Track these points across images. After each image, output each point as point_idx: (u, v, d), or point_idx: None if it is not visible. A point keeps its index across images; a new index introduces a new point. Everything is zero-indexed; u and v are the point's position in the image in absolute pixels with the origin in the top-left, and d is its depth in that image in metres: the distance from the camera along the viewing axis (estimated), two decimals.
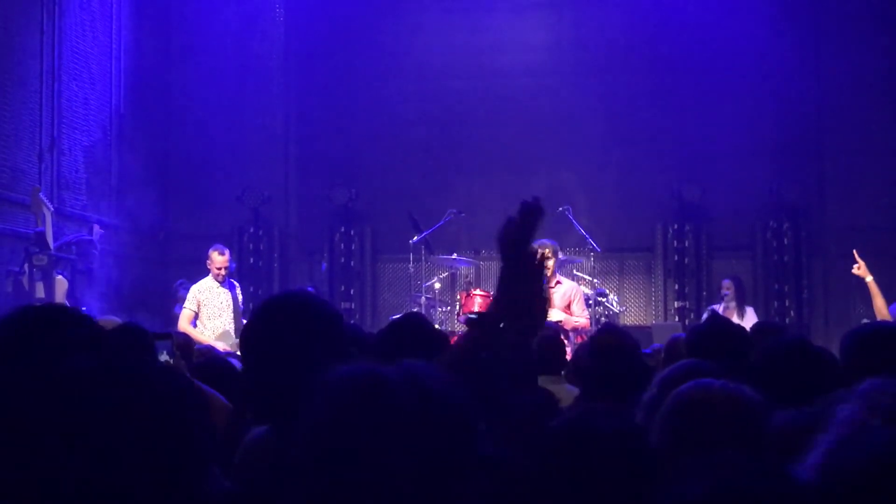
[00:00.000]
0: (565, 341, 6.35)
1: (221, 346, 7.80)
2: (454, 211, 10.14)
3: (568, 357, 5.49)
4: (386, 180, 11.88)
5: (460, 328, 9.32)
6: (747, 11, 11.34)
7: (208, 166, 11.72)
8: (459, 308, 9.24)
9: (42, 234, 8.12)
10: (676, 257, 11.57)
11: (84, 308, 8.85)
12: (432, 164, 11.92)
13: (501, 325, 1.94)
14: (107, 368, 1.36)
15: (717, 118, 11.30)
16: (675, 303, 11.51)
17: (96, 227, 9.69)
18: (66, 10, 9.83)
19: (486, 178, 11.78)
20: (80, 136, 10.18)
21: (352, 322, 9.67)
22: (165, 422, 1.32)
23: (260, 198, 11.73)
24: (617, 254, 11.61)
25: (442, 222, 10.14)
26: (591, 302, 8.99)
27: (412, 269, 10.30)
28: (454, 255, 10.09)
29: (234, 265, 9.36)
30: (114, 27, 10.89)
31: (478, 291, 9.02)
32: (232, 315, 8.67)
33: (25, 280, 8.13)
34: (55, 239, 8.43)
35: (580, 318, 8.40)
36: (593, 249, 9.78)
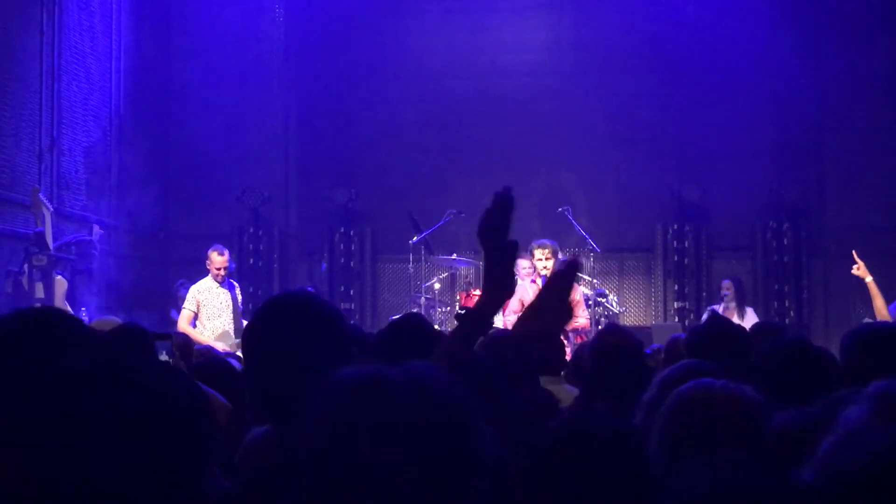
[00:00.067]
0: (565, 342, 6.35)
1: (221, 347, 7.80)
2: (454, 211, 10.14)
3: (568, 357, 5.49)
4: (386, 180, 11.88)
5: (454, 317, 9.32)
6: (747, 12, 11.34)
7: (208, 166, 11.71)
8: (459, 307, 9.25)
9: (42, 235, 8.11)
10: (676, 257, 11.57)
11: (84, 308, 8.86)
12: (432, 164, 11.92)
13: (513, 325, 1.99)
14: (107, 367, 1.36)
15: (717, 118, 11.29)
16: (675, 303, 11.51)
17: (96, 228, 9.69)
18: (66, 10, 9.82)
19: (486, 178, 11.74)
20: (80, 136, 10.17)
21: (352, 322, 9.67)
22: (166, 421, 1.32)
23: (260, 198, 11.72)
24: (617, 254, 11.61)
25: (442, 222, 10.14)
26: (590, 302, 8.99)
27: (412, 270, 10.30)
28: (454, 256, 10.09)
29: (233, 265, 9.36)
30: (114, 27, 10.88)
31: (477, 292, 9.01)
32: (231, 315, 8.66)
33: (25, 280, 8.12)
34: (55, 239, 8.42)
35: (580, 318, 8.41)
36: (593, 250, 9.78)
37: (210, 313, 8.61)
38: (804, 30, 11.53)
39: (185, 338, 6.06)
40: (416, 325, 3.37)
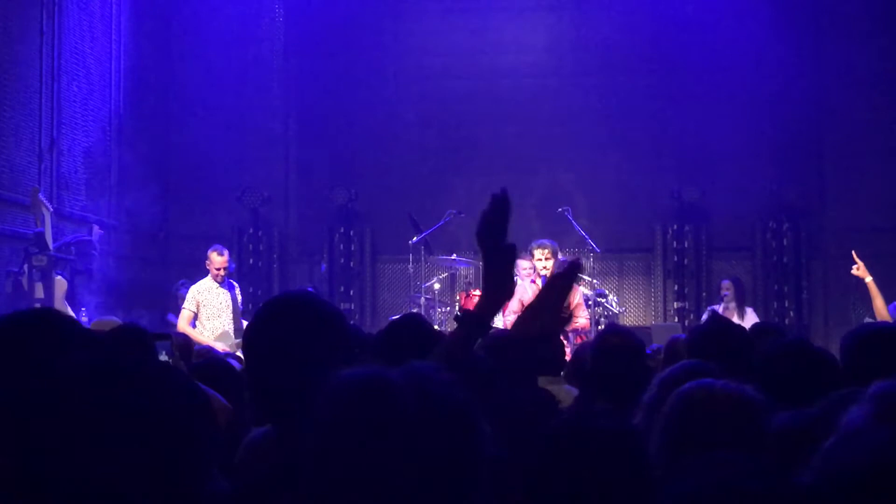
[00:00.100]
0: (565, 342, 6.35)
1: (220, 347, 7.80)
2: (453, 211, 10.14)
3: (568, 357, 5.49)
4: (386, 180, 11.88)
5: (453, 318, 9.32)
6: (747, 12, 11.34)
7: (208, 166, 11.71)
8: (459, 308, 9.25)
9: (41, 235, 8.11)
10: (676, 258, 11.57)
11: (83, 308, 8.86)
12: (432, 164, 11.92)
13: (510, 325, 1.99)
14: (106, 367, 1.36)
15: (717, 118, 11.29)
16: (675, 303, 11.51)
17: (95, 228, 9.69)
18: (66, 11, 9.82)
19: (486, 178, 11.73)
20: (80, 137, 10.17)
21: (351, 323, 9.66)
22: (166, 421, 1.32)
23: (259, 198, 11.72)
24: (616, 254, 11.61)
25: (441, 223, 10.14)
26: (590, 303, 8.99)
27: (412, 270, 10.30)
28: (453, 256, 10.09)
29: (233, 266, 9.36)
30: (113, 27, 10.88)
31: (477, 292, 9.02)
32: (231, 316, 8.66)
33: (25, 281, 8.12)
34: (54, 239, 8.42)
35: (580, 318, 8.41)
36: (593, 250, 9.78)
37: (210, 313, 8.61)
38: (804, 30, 11.54)
39: (185, 338, 6.05)
40: (416, 326, 3.37)
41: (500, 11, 12.07)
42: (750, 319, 9.11)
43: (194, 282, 8.83)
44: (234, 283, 8.99)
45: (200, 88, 11.88)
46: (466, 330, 1.98)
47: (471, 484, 1.28)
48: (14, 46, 8.92)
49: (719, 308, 9.46)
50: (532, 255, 8.38)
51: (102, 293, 9.61)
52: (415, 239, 10.02)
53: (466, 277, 10.51)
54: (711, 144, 11.31)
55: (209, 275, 8.71)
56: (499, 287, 1.97)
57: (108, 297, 9.71)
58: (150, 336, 3.74)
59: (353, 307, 11.70)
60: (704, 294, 11.41)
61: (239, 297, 8.88)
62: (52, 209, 8.50)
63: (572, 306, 8.41)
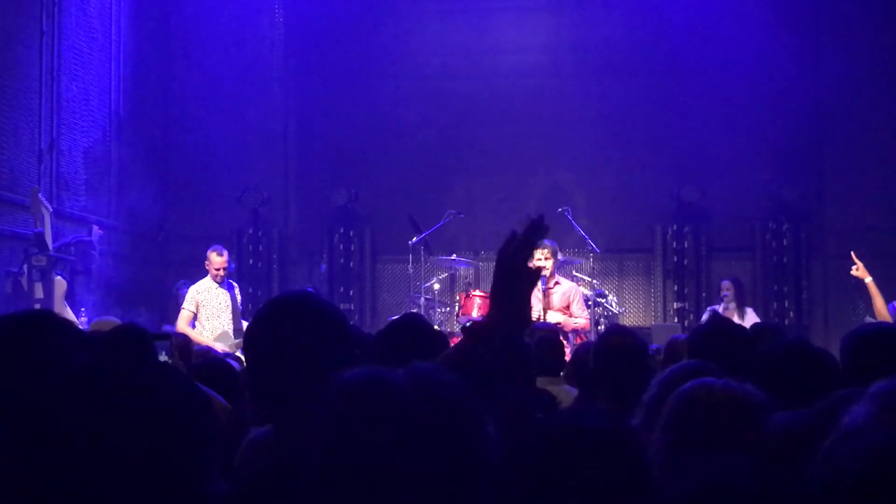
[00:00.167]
0: (564, 342, 6.35)
1: (220, 347, 7.80)
2: (453, 212, 10.14)
3: (567, 358, 5.50)
4: (386, 181, 11.88)
5: (459, 329, 9.31)
6: (747, 13, 11.34)
7: (208, 167, 11.71)
8: (459, 309, 9.24)
9: (41, 235, 8.11)
10: (676, 258, 11.57)
11: (83, 308, 8.86)
12: (432, 165, 11.91)
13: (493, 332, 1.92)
14: (106, 367, 1.36)
15: (717, 119, 11.30)
16: (675, 304, 11.51)
17: (95, 228, 9.69)
18: (66, 10, 9.82)
19: (486, 178, 11.78)
20: (80, 137, 10.17)
21: (351, 323, 9.66)
22: (165, 421, 1.32)
23: (259, 199, 11.72)
24: (616, 255, 11.61)
25: (441, 223, 10.13)
26: (590, 303, 8.98)
27: (411, 270, 10.29)
28: (453, 256, 10.09)
29: (232, 266, 9.35)
30: (113, 27, 10.88)
31: (477, 292, 9.03)
32: (231, 316, 8.66)
33: (24, 281, 8.12)
34: (54, 240, 8.42)
35: (580, 319, 8.41)
36: (593, 250, 9.78)
37: (209, 314, 8.61)
38: (803, 31, 11.54)
39: (185, 338, 6.05)
40: (416, 326, 3.37)
41: (499, 12, 12.07)
42: (750, 319, 9.11)
43: (194, 282, 8.83)
44: (234, 284, 8.99)
45: (200, 88, 11.88)
46: (471, 344, 1.95)
47: (474, 484, 1.28)
48: (14, 46, 8.92)
49: (719, 308, 9.46)
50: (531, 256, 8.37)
51: (102, 293, 9.61)
52: (415, 239, 10.02)
53: (466, 278, 10.51)
54: (711, 145, 11.32)
55: (209, 275, 8.71)
56: (514, 317, 1.89)
57: (107, 297, 9.71)
58: (149, 336, 3.74)
59: (353, 307, 11.70)
60: (704, 294, 11.41)
61: (238, 298, 8.88)
62: (51, 209, 8.50)
63: (572, 305, 8.41)
